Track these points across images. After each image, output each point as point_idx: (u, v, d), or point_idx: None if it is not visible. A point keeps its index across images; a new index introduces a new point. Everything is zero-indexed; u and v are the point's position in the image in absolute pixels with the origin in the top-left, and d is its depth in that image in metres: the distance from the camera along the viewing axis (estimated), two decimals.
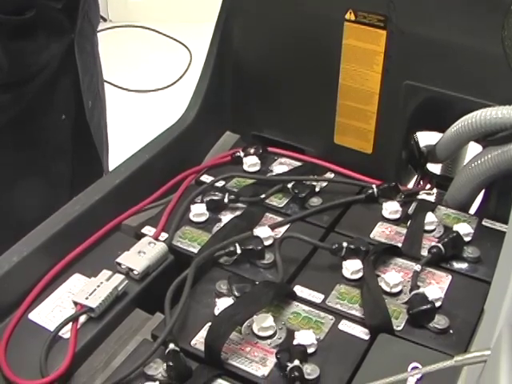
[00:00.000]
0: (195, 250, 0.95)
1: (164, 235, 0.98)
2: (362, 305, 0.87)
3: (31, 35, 1.06)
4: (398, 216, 1.02)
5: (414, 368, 0.76)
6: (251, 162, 1.13)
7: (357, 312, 0.87)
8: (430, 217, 1.00)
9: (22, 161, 1.14)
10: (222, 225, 1.00)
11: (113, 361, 0.82)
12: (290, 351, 0.78)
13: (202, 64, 1.21)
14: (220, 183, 1.10)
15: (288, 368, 0.76)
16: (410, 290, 0.88)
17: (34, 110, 1.12)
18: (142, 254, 0.91)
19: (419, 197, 1.08)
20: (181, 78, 3.21)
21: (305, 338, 0.80)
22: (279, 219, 1.02)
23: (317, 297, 0.89)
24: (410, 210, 1.03)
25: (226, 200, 1.03)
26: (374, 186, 1.06)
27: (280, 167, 1.14)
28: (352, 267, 0.91)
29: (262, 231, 0.96)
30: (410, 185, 1.18)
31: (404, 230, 1.00)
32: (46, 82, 1.11)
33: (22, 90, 1.08)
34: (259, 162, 1.14)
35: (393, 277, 0.89)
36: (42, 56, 1.09)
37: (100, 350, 0.83)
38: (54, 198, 1.10)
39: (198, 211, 1.01)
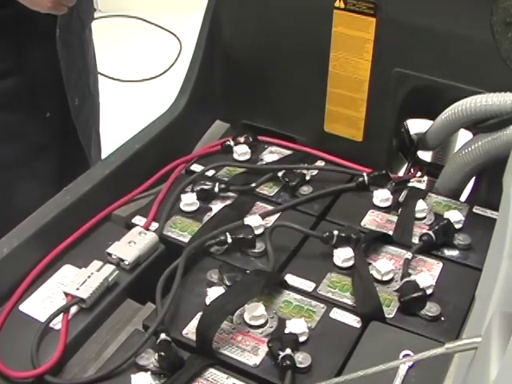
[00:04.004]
0: (186, 240, 0.95)
1: (154, 225, 0.98)
2: (354, 293, 0.87)
3: (12, 31, 1.04)
4: (388, 204, 1.02)
5: (406, 355, 0.77)
6: (241, 151, 1.13)
7: (348, 300, 0.87)
8: (420, 204, 1.00)
9: (7, 158, 1.13)
10: (212, 214, 1.00)
11: (104, 351, 0.82)
12: (282, 340, 0.78)
13: (191, 53, 1.20)
14: (210, 172, 1.10)
15: (280, 357, 0.76)
16: (402, 278, 0.88)
17: (17, 107, 1.10)
18: (133, 244, 0.91)
19: (410, 184, 1.09)
20: (170, 67, 3.20)
21: (296, 326, 0.80)
22: (270, 208, 1.02)
23: (308, 285, 0.89)
24: (401, 198, 1.03)
25: (216, 189, 1.03)
26: (364, 174, 1.06)
27: (270, 156, 1.13)
28: (343, 255, 0.91)
29: (253, 220, 0.96)
30: (401, 173, 1.18)
31: (395, 218, 1.00)
32: (29, 79, 1.10)
33: (2, 86, 1.07)
34: (249, 150, 1.14)
35: (384, 265, 0.89)
36: (24, 52, 1.07)
37: (91, 341, 0.83)
38: (39, 195, 1.09)
39: (189, 201, 1.01)
